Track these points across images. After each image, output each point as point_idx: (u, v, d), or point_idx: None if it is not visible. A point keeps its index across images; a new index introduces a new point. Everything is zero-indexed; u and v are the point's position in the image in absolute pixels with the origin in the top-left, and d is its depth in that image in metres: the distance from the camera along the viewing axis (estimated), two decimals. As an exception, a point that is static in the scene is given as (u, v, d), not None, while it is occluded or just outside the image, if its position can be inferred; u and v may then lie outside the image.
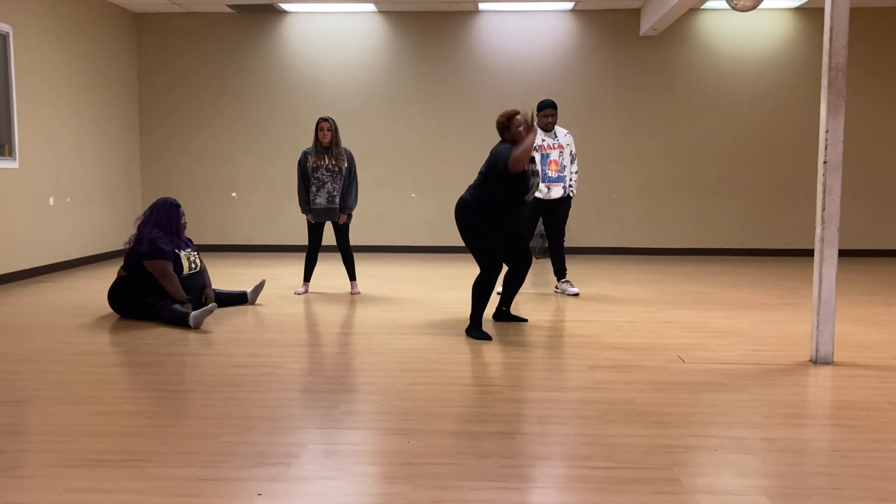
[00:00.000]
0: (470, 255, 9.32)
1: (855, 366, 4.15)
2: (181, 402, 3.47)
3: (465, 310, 5.72)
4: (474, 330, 4.84)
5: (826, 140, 4.12)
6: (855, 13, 9.02)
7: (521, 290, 6.64)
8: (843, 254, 9.00)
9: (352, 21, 9.48)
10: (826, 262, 4.15)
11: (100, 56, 8.75)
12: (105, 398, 3.53)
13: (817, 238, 4.17)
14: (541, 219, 6.47)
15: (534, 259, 9.11)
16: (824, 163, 4.13)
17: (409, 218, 9.67)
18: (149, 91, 9.67)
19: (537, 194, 6.27)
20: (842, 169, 4.14)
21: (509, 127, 4.81)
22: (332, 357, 4.32)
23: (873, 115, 9.30)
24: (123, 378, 3.90)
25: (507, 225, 4.90)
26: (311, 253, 6.47)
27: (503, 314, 5.33)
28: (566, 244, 6.84)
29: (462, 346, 4.55)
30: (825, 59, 4.13)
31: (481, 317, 4.87)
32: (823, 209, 4.14)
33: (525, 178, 4.77)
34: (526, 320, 5.35)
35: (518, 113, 4.80)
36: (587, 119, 9.43)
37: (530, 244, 7.10)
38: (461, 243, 9.22)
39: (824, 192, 4.13)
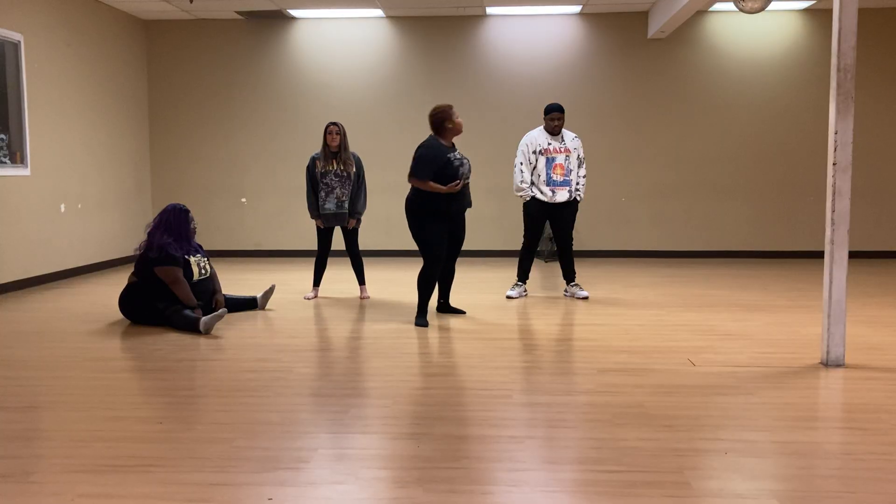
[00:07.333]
0: (480, 259, 9.32)
1: (866, 368, 4.13)
2: (192, 408, 3.48)
3: (474, 314, 5.73)
4: (420, 318, 5.33)
5: (835, 141, 4.11)
6: (863, 14, 8.99)
7: (530, 294, 6.65)
8: (854, 255, 8.94)
9: (360, 26, 9.51)
10: (836, 264, 4.13)
11: (110, 63, 8.81)
12: (116, 403, 3.55)
13: (827, 240, 4.15)
14: (548, 222, 6.46)
15: (543, 262, 9.14)
16: (834, 164, 4.11)
17: (418, 222, 9.66)
18: (159, 97, 9.73)
19: (541, 197, 6.27)
20: (851, 170, 4.12)
21: (443, 122, 5.31)
22: (342, 361, 4.33)
23: (881, 117, 9.25)
24: (135, 383, 3.92)
25: (452, 210, 5.30)
26: (321, 258, 6.49)
27: (443, 306, 5.78)
28: (575, 247, 6.84)
29: (471, 351, 4.55)
30: (833, 61, 4.12)
31: (426, 307, 5.36)
32: (833, 210, 4.12)
33: (452, 167, 5.22)
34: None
35: (451, 107, 5.34)
36: (595, 122, 9.42)
37: (538, 248, 7.10)
38: (469, 247, 9.23)
39: (834, 193, 4.12)
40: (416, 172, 5.23)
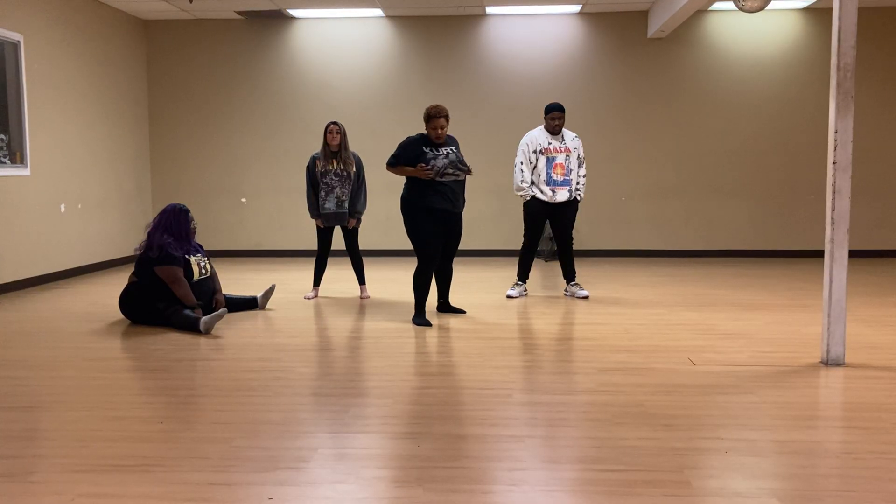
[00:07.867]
0: (480, 259, 9.32)
1: (866, 367, 4.13)
2: (192, 407, 3.48)
3: (475, 314, 5.73)
4: (418, 318, 5.37)
5: (835, 140, 4.10)
6: (863, 13, 8.98)
7: (530, 293, 6.65)
8: (853, 254, 8.93)
9: (359, 26, 9.51)
10: (836, 263, 4.13)
11: (110, 63, 8.81)
12: (117, 403, 3.55)
13: (827, 239, 4.15)
14: (548, 222, 6.46)
15: (543, 262, 9.13)
16: (833, 163, 4.11)
17: (418, 222, 9.66)
18: (158, 98, 9.73)
19: (542, 197, 6.27)
20: (851, 170, 4.12)
21: (426, 119, 5.35)
22: (342, 361, 4.33)
23: (881, 116, 9.24)
24: (135, 383, 3.92)
25: (438, 205, 5.27)
26: (321, 257, 6.49)
27: (443, 306, 5.80)
28: (575, 247, 6.84)
29: (471, 350, 4.55)
30: (833, 60, 4.12)
31: (423, 306, 5.42)
32: (833, 210, 4.12)
33: (423, 159, 5.27)
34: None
35: (440, 112, 5.30)
36: (595, 121, 9.42)
37: (538, 248, 7.11)
38: (469, 246, 9.23)
39: (834, 192, 4.12)
40: (388, 160, 5.44)
